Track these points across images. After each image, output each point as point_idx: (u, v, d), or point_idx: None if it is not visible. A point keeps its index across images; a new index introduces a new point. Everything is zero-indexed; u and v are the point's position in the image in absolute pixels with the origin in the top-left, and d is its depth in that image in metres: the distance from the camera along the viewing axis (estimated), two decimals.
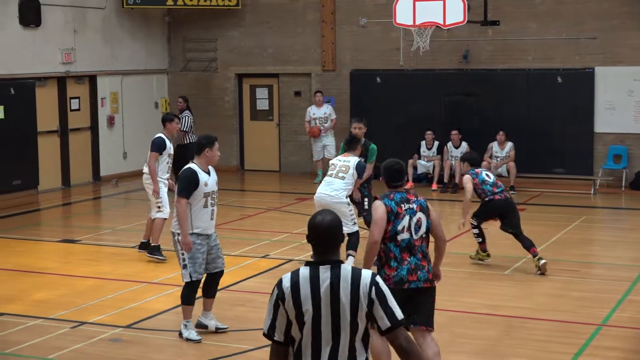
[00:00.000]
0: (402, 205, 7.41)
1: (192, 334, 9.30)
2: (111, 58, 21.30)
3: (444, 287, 11.23)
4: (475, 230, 12.36)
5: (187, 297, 9.33)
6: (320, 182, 19.85)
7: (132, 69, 21.96)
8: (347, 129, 20.89)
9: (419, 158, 19.73)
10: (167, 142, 12.78)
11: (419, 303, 7.39)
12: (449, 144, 19.49)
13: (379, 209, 7.39)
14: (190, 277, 9.21)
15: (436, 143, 19.62)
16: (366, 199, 12.78)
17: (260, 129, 22.68)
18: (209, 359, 8.77)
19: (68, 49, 19.92)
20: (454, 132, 19.42)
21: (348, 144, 12.20)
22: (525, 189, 18.61)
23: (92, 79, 20.89)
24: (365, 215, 12.46)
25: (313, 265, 4.76)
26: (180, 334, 9.36)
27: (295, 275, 4.75)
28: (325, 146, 20.32)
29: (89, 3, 20.51)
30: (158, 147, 12.69)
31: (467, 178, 12.24)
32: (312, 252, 4.85)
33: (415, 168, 19.74)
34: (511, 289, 11.27)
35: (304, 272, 4.75)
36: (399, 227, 7.35)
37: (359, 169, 11.94)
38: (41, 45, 19.27)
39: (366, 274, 4.74)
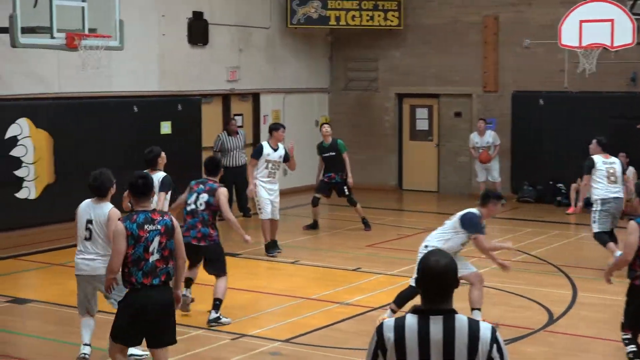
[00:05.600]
0: None
1: None
2: (274, 76, 21.71)
3: None
4: None
5: None
6: None
7: (294, 87, 22.32)
8: (510, 151, 20.65)
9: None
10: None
11: None
12: None
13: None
14: None
15: None
16: (344, 187, 16.42)
17: (419, 149, 22.62)
18: None
19: (233, 67, 20.43)
20: (621, 154, 18.81)
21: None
22: None
23: (255, 97, 21.35)
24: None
25: (422, 315, 4.13)
26: None
27: (400, 324, 4.12)
28: (488, 169, 20.05)
29: (254, 23, 20.98)
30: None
31: (634, 227, 8.20)
32: (421, 298, 4.23)
33: (577, 192, 19.24)
34: None
35: (411, 321, 4.11)
36: None
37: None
38: (208, 64, 19.83)
39: (485, 329, 4.13)
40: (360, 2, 21.75)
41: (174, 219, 7.45)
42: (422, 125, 22.60)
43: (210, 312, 10.54)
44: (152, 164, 11.22)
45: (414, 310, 4.17)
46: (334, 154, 16.38)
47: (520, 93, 20.82)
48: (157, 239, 7.23)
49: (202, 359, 9.33)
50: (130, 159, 17.67)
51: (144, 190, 7.38)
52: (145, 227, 7.21)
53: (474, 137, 20.15)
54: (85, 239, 8.84)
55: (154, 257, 7.21)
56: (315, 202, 16.55)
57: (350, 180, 16.39)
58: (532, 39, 20.42)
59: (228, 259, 14.16)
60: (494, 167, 20.03)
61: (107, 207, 8.77)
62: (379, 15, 21.83)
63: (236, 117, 20.28)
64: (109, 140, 17.43)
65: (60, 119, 16.72)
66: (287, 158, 14.58)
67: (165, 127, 18.72)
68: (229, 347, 9.72)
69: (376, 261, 14.08)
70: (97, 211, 8.77)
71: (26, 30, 13.15)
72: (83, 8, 13.63)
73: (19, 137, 16.08)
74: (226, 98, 20.65)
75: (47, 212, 15.97)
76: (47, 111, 16.59)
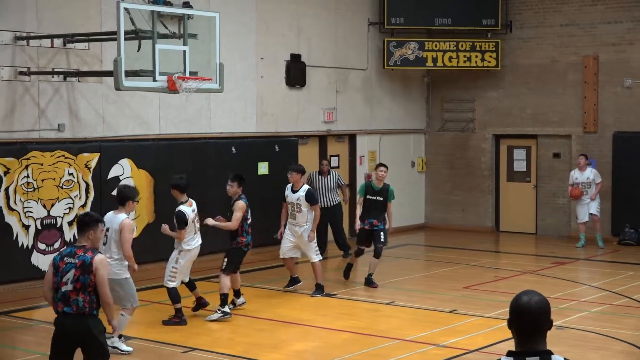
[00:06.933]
0: None
1: None
2: (370, 117, 21.80)
3: None
4: None
5: None
6: (584, 246, 19.45)
7: (390, 128, 22.37)
8: (611, 193, 20.24)
9: None
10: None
11: None
12: None
13: None
14: None
15: None
16: (382, 233, 15.12)
17: (516, 190, 22.38)
18: None
19: (330, 109, 20.59)
20: None
21: None
22: None
23: (351, 138, 21.46)
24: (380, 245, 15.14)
25: (518, 357, 4.13)
26: None
27: None
28: (589, 205, 19.53)
29: (351, 64, 21.15)
30: None
31: None
32: (515, 340, 4.21)
33: None
34: None
35: None
36: None
37: None
38: (305, 105, 20.04)
39: None
40: (457, 43, 21.75)
41: (96, 259, 7.86)
42: (519, 166, 22.37)
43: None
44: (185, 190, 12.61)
45: (509, 353, 4.13)
46: (381, 199, 15.34)
47: (621, 134, 20.47)
48: (72, 271, 7.86)
49: None
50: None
51: (79, 227, 8.11)
52: (65, 259, 7.92)
53: (574, 173, 19.73)
54: (103, 243, 10.44)
55: (67, 287, 7.85)
56: (359, 253, 15.73)
57: (390, 229, 15.58)
58: (634, 79, 20.12)
59: (324, 299, 14.28)
60: (594, 204, 19.56)
61: (122, 217, 10.52)
62: (476, 56, 21.78)
63: (332, 158, 20.44)
64: (208, 181, 17.71)
65: (161, 159, 17.07)
66: (310, 201, 14.41)
67: (263, 168, 18.95)
68: None
69: (473, 303, 13.95)
70: (113, 219, 10.67)
71: (129, 74, 13.51)
72: (184, 52, 13.96)
73: (121, 177, 16.46)
74: (322, 139, 20.81)
75: (147, 251, 16.25)
76: (148, 152, 16.96)
